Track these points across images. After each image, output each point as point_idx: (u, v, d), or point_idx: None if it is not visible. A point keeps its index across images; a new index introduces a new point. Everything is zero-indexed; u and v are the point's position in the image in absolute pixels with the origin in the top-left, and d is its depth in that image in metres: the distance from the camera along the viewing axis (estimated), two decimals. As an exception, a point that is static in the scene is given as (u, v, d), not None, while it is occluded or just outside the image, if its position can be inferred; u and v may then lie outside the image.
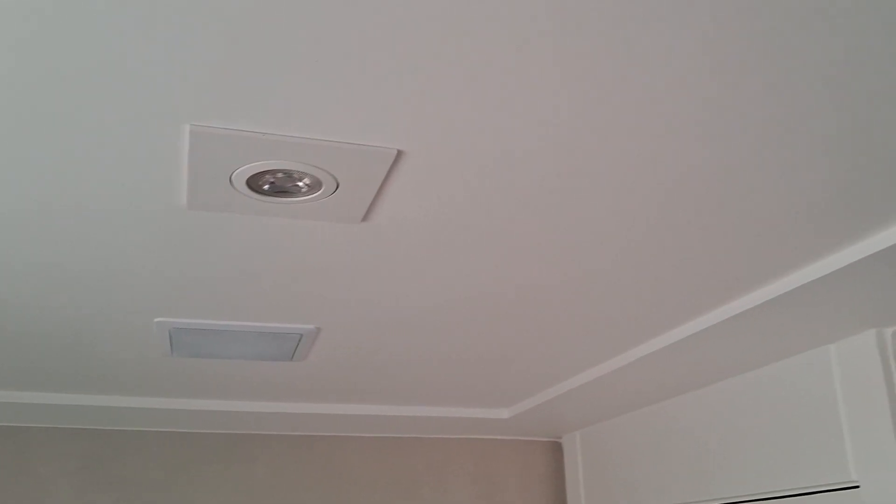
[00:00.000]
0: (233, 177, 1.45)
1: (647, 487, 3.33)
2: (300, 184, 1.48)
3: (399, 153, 1.41)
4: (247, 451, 3.71)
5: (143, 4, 1.03)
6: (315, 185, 1.49)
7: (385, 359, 2.70)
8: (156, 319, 2.26)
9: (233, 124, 1.31)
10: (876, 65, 1.19)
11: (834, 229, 1.73)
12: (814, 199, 1.60)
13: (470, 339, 2.51)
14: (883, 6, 1.06)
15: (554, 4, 1.05)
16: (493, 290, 2.08)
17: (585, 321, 2.35)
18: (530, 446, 4.15)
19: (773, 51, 1.15)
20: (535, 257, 1.88)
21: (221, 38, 1.10)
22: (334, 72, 1.18)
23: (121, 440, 3.57)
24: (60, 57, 1.14)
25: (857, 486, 2.32)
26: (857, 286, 1.97)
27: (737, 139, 1.38)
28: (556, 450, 4.18)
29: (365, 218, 1.65)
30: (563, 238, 1.78)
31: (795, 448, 2.56)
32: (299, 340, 2.43)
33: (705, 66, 1.19)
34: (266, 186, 1.49)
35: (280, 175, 1.46)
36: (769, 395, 2.69)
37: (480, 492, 3.99)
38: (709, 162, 1.46)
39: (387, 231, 1.72)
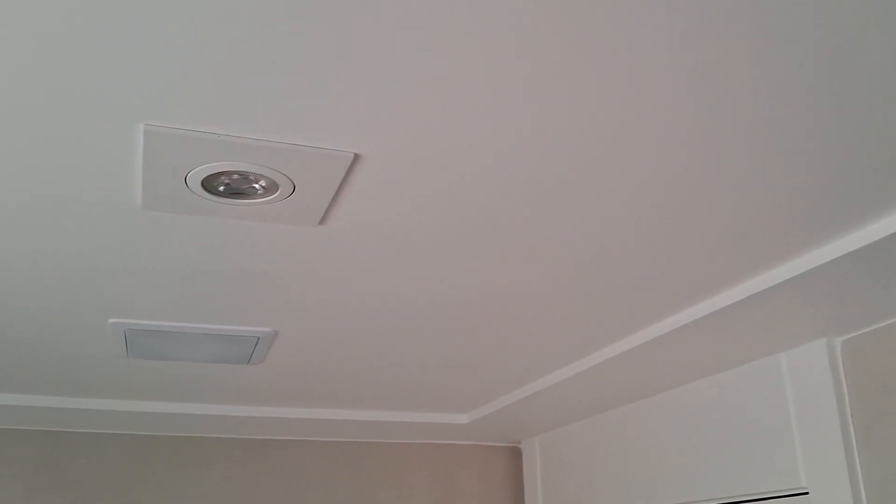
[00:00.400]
0: (188, 177, 1.44)
1: (604, 493, 3.36)
2: (256, 186, 1.48)
3: (356, 157, 1.41)
4: (203, 455, 3.68)
5: (96, 1, 1.03)
6: (271, 188, 1.49)
7: (343, 363, 2.70)
8: (110, 320, 2.24)
9: (188, 124, 1.31)
10: (831, 79, 1.21)
11: (784, 240, 1.76)
12: (764, 211, 1.63)
13: (429, 344, 2.52)
14: (856, 6, 1.08)
15: (516, 6, 1.06)
16: (452, 295, 2.09)
17: (544, 328, 2.37)
18: (489, 451, 4.17)
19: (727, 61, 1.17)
20: (495, 263, 1.89)
21: (175, 37, 1.10)
22: (290, 74, 1.18)
23: (76, 442, 3.53)
24: (13, 56, 1.13)
25: (807, 493, 2.36)
26: (808, 296, 2.00)
27: (685, 153, 1.40)
28: (515, 455, 4.20)
29: (322, 221, 1.65)
30: (523, 245, 1.79)
31: (748, 454, 2.59)
32: (256, 343, 2.41)
33: (668, 74, 1.21)
34: (222, 188, 1.48)
35: (236, 176, 1.45)
36: (723, 402, 2.73)
37: (439, 497, 3.99)
38: (659, 175, 1.48)
39: (345, 235, 1.72)
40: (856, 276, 1.88)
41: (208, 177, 1.45)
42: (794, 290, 1.96)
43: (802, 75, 1.20)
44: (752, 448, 2.58)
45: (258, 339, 2.37)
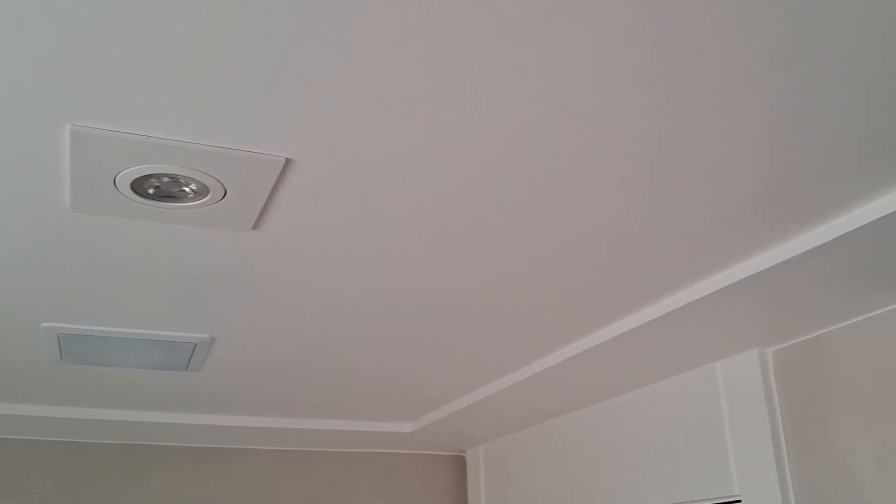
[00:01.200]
0: (117, 179, 1.43)
1: (547, 501, 3.37)
2: (187, 189, 1.47)
3: (288, 161, 1.41)
4: (141, 463, 3.62)
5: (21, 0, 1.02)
6: (202, 191, 1.48)
7: (283, 370, 2.68)
8: (42, 324, 2.20)
9: (116, 126, 1.29)
10: (762, 89, 1.24)
11: (717, 252, 1.80)
12: (696, 221, 1.66)
13: (369, 351, 2.51)
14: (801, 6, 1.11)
15: (448, 6, 1.07)
16: (391, 302, 2.09)
17: (486, 336, 2.38)
18: (434, 460, 4.16)
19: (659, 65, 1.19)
20: (432, 269, 1.89)
21: (103, 37, 1.09)
22: (220, 76, 1.17)
23: (9, 449, 3.45)
24: (-70, 49, 1.11)
25: (739, 501, 2.40)
26: (740, 306, 2.04)
27: (619, 166, 1.42)
28: (459, 464, 4.20)
29: (255, 226, 1.64)
30: (462, 252, 1.80)
31: (684, 462, 2.63)
32: (193, 349, 2.39)
33: (594, 81, 1.22)
34: (151, 190, 1.47)
35: (166, 179, 1.44)
36: (660, 411, 2.77)
37: (382, 506, 3.98)
38: (595, 189, 1.50)
39: (279, 240, 1.72)
40: (785, 288, 1.92)
41: (138, 179, 1.44)
42: (727, 299, 2.00)
43: (717, 93, 1.23)
44: (688, 456, 2.61)
45: (195, 345, 2.35)
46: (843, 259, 1.75)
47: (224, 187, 1.46)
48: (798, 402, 2.27)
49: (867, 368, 2.09)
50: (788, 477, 2.27)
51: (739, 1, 1.04)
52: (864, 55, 1.15)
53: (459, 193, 1.53)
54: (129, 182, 1.44)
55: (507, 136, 1.34)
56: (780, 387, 2.35)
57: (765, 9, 1.06)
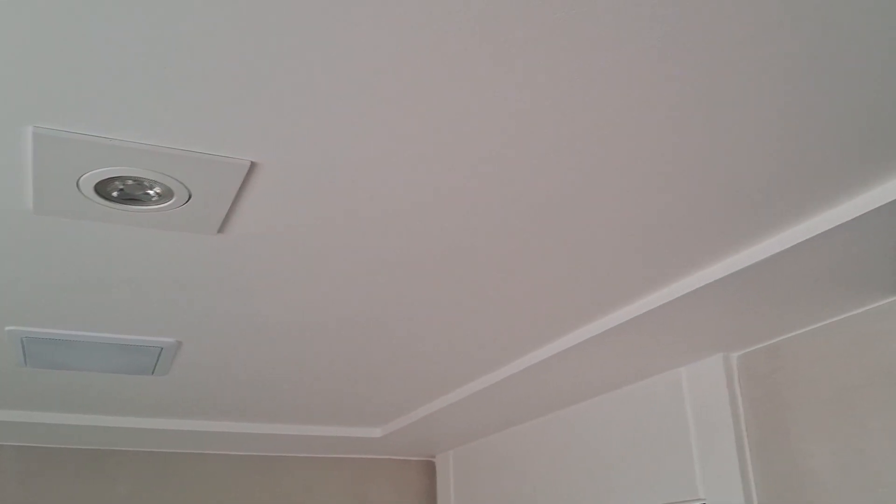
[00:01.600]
0: (80, 182, 1.42)
1: (513, 506, 3.39)
2: (151, 192, 1.46)
3: (253, 165, 1.41)
4: (109, 469, 3.59)
5: (-24, 1, 1.01)
6: (166, 195, 1.47)
7: (251, 374, 2.67)
8: (6, 328, 2.18)
9: (79, 128, 1.29)
10: (723, 90, 1.26)
11: (679, 256, 1.82)
12: (660, 227, 1.68)
13: (337, 356, 2.51)
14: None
15: (414, 7, 1.08)
16: (359, 305, 2.09)
17: (453, 340, 2.39)
18: (403, 465, 4.16)
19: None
20: (399, 273, 1.90)
21: (66, 38, 1.08)
22: (184, 79, 1.17)
23: (-28, 456, 3.41)
24: None
25: (704, 502, 2.43)
26: (704, 311, 2.07)
27: (580, 168, 1.44)
28: (429, 469, 4.21)
29: (221, 230, 1.64)
30: (428, 254, 1.80)
31: (650, 466, 2.65)
32: (160, 354, 2.37)
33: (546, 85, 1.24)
34: (115, 193, 1.46)
35: (130, 182, 1.44)
36: (627, 415, 2.79)
37: (351, 511, 3.97)
38: (557, 192, 1.51)
39: (245, 243, 1.71)
40: (748, 293, 1.94)
41: (101, 182, 1.43)
42: (691, 305, 2.02)
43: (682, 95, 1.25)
44: (654, 460, 2.64)
45: (161, 349, 2.34)
46: (803, 265, 1.78)
47: (189, 191, 1.46)
48: (761, 406, 2.30)
49: (827, 373, 2.12)
50: (752, 480, 2.30)
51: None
52: (822, 69, 1.18)
53: (426, 196, 1.54)
54: (93, 184, 1.43)
55: (473, 136, 1.35)
56: (744, 391, 2.37)
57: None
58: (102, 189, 1.45)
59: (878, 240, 1.67)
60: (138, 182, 1.44)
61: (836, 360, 2.11)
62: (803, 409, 2.17)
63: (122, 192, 1.46)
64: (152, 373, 2.57)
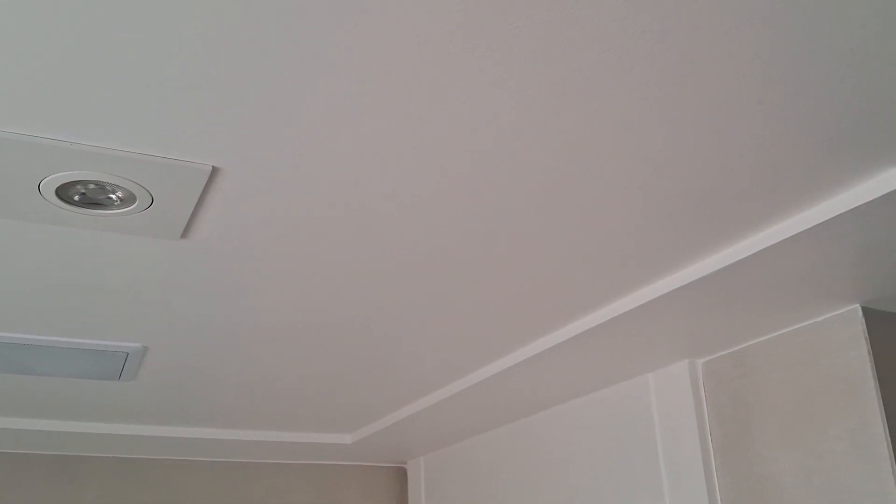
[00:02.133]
0: (41, 186, 1.42)
1: (483, 512, 3.40)
2: (113, 196, 1.46)
3: (214, 169, 1.41)
4: (75, 475, 3.56)
5: (-68, 3, 1.01)
6: (129, 199, 1.47)
7: (218, 380, 2.66)
8: (-31, 333, 2.16)
9: (39, 131, 1.28)
10: (696, 93, 1.28)
11: (645, 262, 1.84)
12: (624, 234, 1.70)
13: (306, 361, 2.51)
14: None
15: (378, 11, 1.09)
16: (327, 311, 2.09)
17: (423, 346, 2.39)
18: (375, 472, 4.16)
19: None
20: (365, 278, 1.90)
21: (24, 40, 1.08)
22: (145, 82, 1.17)
23: (-64, 462, 3.37)
24: None
25: (669, 509, 2.45)
26: (670, 317, 2.09)
27: (549, 174, 1.45)
28: (400, 475, 4.20)
29: (185, 235, 1.64)
30: (394, 259, 1.81)
31: (618, 472, 2.67)
32: (126, 359, 2.36)
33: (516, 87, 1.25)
34: (77, 197, 1.46)
35: (92, 186, 1.43)
36: (596, 420, 2.81)
37: (322, 518, 3.96)
38: (523, 199, 1.52)
39: (209, 248, 1.71)
40: (713, 299, 1.97)
41: (63, 186, 1.43)
42: (657, 311, 2.04)
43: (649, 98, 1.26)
44: (622, 465, 2.66)
45: (127, 354, 2.33)
46: (766, 272, 1.81)
47: (151, 195, 1.46)
48: (726, 413, 2.33)
49: (790, 380, 2.15)
50: (717, 486, 2.32)
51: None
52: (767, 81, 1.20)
53: (391, 202, 1.55)
54: (54, 188, 1.43)
55: (441, 139, 1.36)
56: (709, 397, 2.40)
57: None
58: (64, 193, 1.45)
59: (839, 248, 1.69)
60: (100, 186, 1.43)
61: (798, 368, 2.13)
62: (766, 416, 2.20)
63: (84, 196, 1.46)
64: (119, 378, 2.55)
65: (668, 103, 1.26)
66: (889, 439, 1.90)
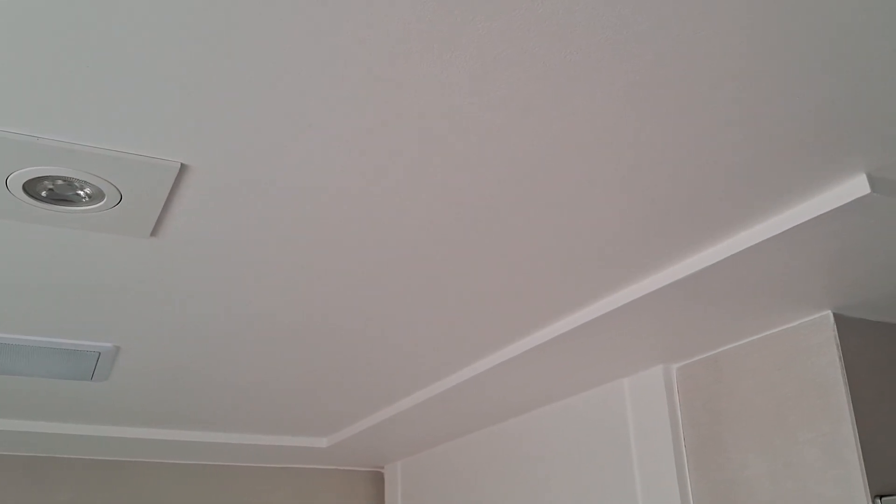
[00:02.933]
0: (8, 181, 1.40)
1: (459, 517, 3.39)
2: (81, 193, 1.45)
3: (183, 167, 1.40)
4: (49, 476, 3.52)
5: None
6: (97, 196, 1.46)
7: (192, 381, 2.64)
8: (-63, 331, 2.13)
9: (5, 126, 1.27)
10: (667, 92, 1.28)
11: (619, 268, 1.84)
12: (599, 238, 1.70)
13: (279, 363, 2.49)
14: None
15: (347, 13, 1.08)
16: (302, 314, 2.08)
17: (400, 349, 2.38)
18: (351, 476, 4.14)
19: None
20: (338, 279, 1.89)
21: (-18, 35, 1.07)
22: (113, 78, 1.16)
23: None
24: None
25: (642, 514, 2.45)
26: (644, 322, 2.09)
27: (521, 177, 1.45)
28: (377, 480, 4.19)
29: (154, 232, 1.63)
30: (368, 259, 1.80)
31: (593, 476, 2.67)
32: (98, 358, 2.34)
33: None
34: (45, 193, 1.45)
35: (60, 182, 1.42)
36: (573, 425, 2.81)
37: (298, 522, 3.94)
38: (496, 204, 1.52)
39: (180, 247, 1.70)
40: (686, 305, 1.97)
41: (30, 181, 1.41)
42: (631, 316, 2.04)
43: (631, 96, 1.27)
44: (597, 469, 2.66)
45: (99, 354, 2.31)
46: (740, 277, 1.81)
47: (119, 192, 1.45)
48: (700, 417, 2.33)
49: (762, 385, 2.16)
50: (689, 490, 2.32)
51: None
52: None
53: (363, 204, 1.54)
54: (21, 184, 1.41)
55: (410, 141, 1.36)
56: (683, 402, 2.40)
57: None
58: (31, 188, 1.43)
59: (810, 253, 1.70)
60: (68, 182, 1.42)
61: (770, 373, 2.14)
62: (739, 421, 2.21)
63: (51, 192, 1.45)
64: (91, 378, 2.53)
65: (644, 109, 1.26)
66: (859, 445, 1.91)
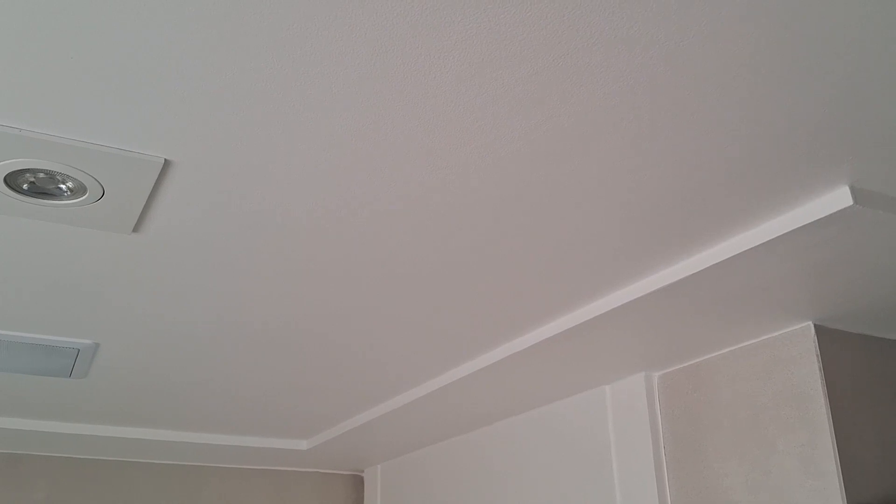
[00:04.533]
0: (-11, 173, 1.39)
1: (437, 522, 3.38)
2: (63, 187, 1.44)
3: (167, 162, 1.39)
4: (25, 473, 3.49)
5: None
6: (79, 190, 1.45)
7: (171, 380, 2.62)
8: (-86, 324, 2.11)
9: (-13, 117, 1.26)
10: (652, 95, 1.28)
11: (601, 274, 1.84)
12: (582, 245, 1.70)
13: (260, 364, 2.48)
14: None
15: (327, 12, 1.08)
16: (284, 313, 2.07)
17: (381, 351, 2.37)
18: (331, 479, 4.12)
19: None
20: (324, 281, 1.89)
21: (-35, 23, 1.06)
22: (97, 71, 1.16)
23: None
24: None
25: (621, 522, 2.45)
26: (626, 329, 2.09)
27: (506, 181, 1.45)
28: (357, 483, 4.17)
29: (136, 228, 1.62)
30: (351, 260, 1.79)
31: (573, 482, 2.67)
32: (77, 355, 2.32)
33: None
34: (26, 186, 1.43)
35: (42, 175, 1.41)
36: (553, 431, 2.81)
37: (276, 524, 3.92)
38: (481, 208, 1.52)
39: (161, 243, 1.69)
40: (667, 313, 1.98)
41: (12, 173, 1.40)
42: (613, 323, 2.04)
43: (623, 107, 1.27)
44: (577, 476, 2.65)
45: (78, 350, 2.29)
46: (722, 285, 1.82)
47: (102, 187, 1.44)
48: (680, 425, 2.34)
49: (742, 395, 2.16)
50: (668, 498, 2.32)
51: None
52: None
53: (347, 203, 1.54)
54: (3, 176, 1.40)
55: (395, 140, 1.36)
56: (664, 410, 2.41)
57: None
58: (13, 181, 1.42)
59: (792, 264, 1.71)
60: (50, 175, 1.41)
61: (750, 383, 2.15)
62: (719, 429, 2.21)
63: (33, 185, 1.43)
64: (70, 375, 2.51)
65: (627, 118, 1.26)
66: (837, 456, 1.91)
